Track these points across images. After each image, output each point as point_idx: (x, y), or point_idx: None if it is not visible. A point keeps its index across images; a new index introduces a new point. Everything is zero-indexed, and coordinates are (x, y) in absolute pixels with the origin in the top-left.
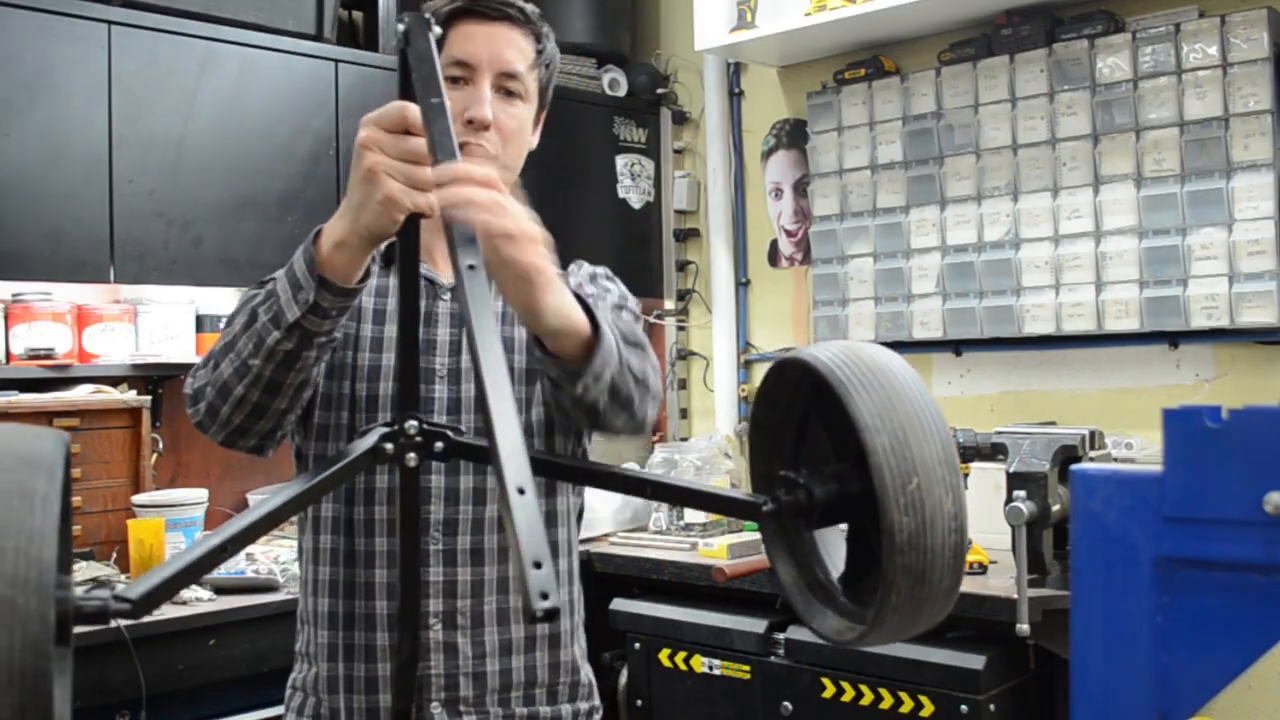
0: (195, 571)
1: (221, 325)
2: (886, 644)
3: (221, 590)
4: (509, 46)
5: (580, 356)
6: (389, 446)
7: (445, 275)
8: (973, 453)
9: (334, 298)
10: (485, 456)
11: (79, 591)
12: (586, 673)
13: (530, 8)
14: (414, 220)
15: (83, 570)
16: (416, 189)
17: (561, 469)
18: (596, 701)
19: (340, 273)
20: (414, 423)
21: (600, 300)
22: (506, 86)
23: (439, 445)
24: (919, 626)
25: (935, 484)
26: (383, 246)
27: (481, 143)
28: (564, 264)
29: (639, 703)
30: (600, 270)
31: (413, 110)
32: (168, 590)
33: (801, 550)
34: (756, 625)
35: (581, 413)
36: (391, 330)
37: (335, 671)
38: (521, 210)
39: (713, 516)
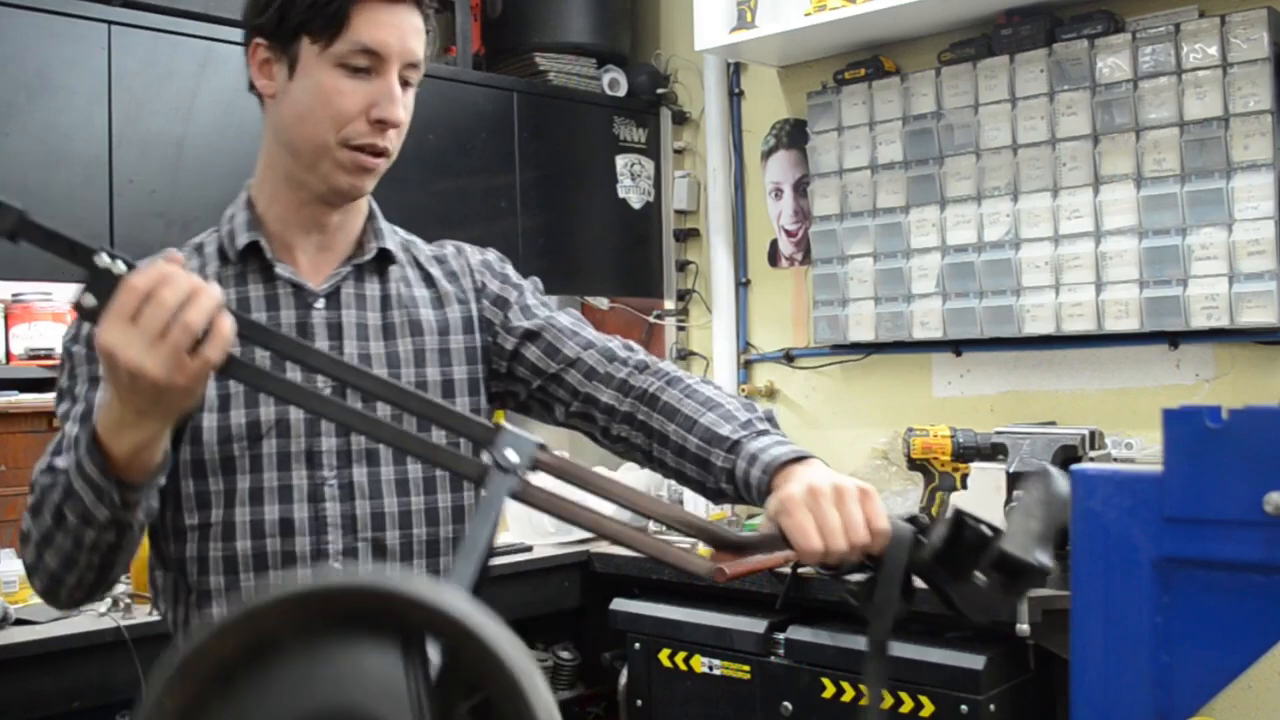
0: None
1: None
2: None
3: None
4: (414, 34)
5: None
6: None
7: (314, 279)
8: (973, 453)
9: (138, 490)
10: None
11: None
12: None
13: None
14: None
15: None
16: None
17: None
18: None
19: (140, 470)
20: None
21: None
22: (407, 77)
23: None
24: None
25: None
26: (238, 245)
27: (386, 144)
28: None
29: (639, 703)
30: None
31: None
32: None
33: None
34: (756, 625)
35: None
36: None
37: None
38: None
39: (713, 515)
